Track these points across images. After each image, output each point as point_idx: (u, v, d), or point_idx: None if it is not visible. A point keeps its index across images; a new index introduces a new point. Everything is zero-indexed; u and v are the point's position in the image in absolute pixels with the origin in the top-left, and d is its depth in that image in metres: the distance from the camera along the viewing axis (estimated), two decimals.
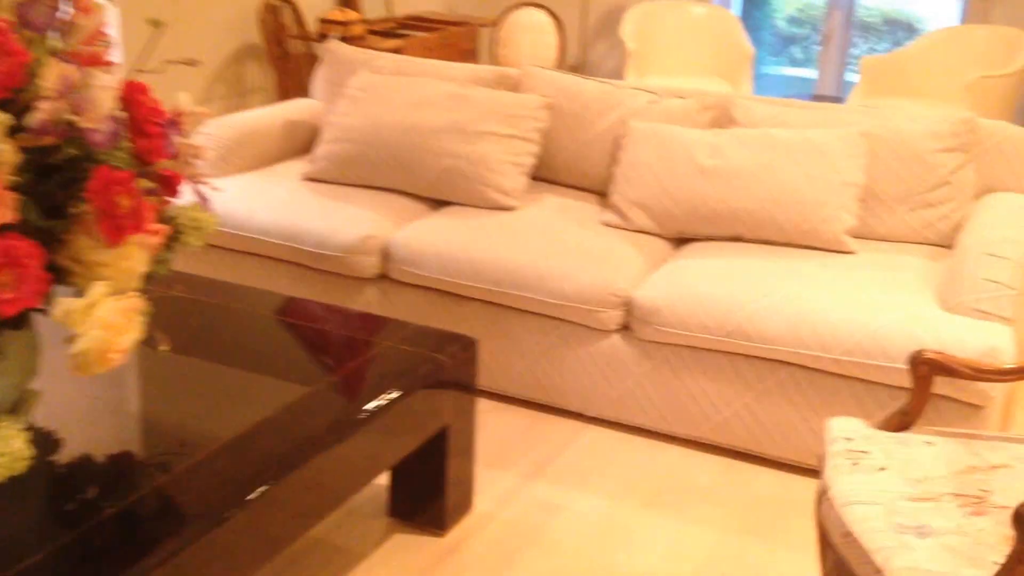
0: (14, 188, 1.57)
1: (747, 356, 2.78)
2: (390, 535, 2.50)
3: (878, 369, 2.62)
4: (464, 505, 2.58)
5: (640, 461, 2.86)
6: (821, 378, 2.72)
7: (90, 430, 2.05)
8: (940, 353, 2.12)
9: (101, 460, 1.96)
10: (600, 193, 3.41)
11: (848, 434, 2.10)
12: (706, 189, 3.06)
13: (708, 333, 2.76)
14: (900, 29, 7.29)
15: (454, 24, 5.89)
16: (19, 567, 1.59)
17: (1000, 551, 1.71)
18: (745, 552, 2.50)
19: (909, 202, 3.08)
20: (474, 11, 6.36)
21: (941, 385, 2.48)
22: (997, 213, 2.91)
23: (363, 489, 2.22)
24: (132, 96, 1.81)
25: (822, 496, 1.98)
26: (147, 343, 1.83)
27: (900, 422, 2.16)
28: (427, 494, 2.50)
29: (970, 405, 2.59)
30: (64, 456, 1.94)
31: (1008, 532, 1.70)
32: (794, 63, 7.64)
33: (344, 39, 4.79)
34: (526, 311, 3.01)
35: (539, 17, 5.80)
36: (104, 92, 1.55)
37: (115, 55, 1.85)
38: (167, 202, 1.89)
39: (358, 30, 5.27)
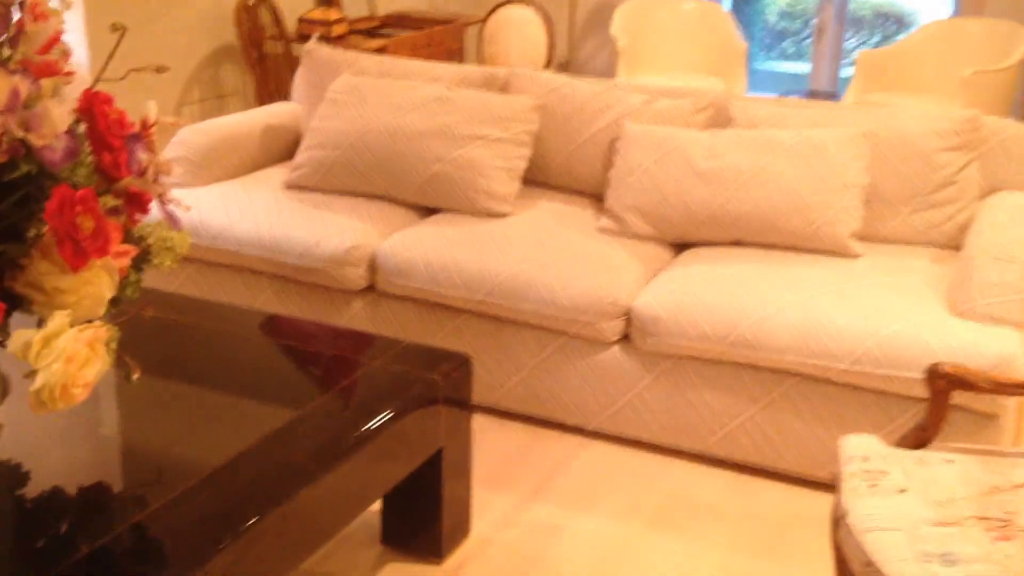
0: None
1: (752, 366, 2.67)
2: (384, 564, 2.39)
3: (888, 379, 2.51)
4: (461, 529, 2.47)
5: (644, 478, 2.75)
6: (829, 388, 2.61)
7: (61, 463, 1.94)
8: (958, 366, 2.01)
9: (74, 495, 1.85)
10: (595, 197, 3.30)
11: (864, 452, 1.99)
12: (704, 193, 2.95)
13: (711, 343, 2.65)
14: (891, 22, 7.20)
15: (439, 22, 5.76)
16: None
17: None
18: (756, 572, 2.39)
19: (913, 203, 2.97)
20: (460, 9, 6.23)
21: (954, 395, 2.38)
22: (1005, 213, 2.81)
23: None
24: (94, 107, 1.68)
25: (839, 520, 1.87)
26: (118, 371, 1.71)
27: (917, 438, 2.06)
28: (422, 519, 2.40)
29: (984, 415, 2.49)
30: (34, 491, 1.84)
31: None
32: (786, 57, 7.54)
33: (325, 39, 4.66)
34: (521, 322, 2.89)
35: (527, 14, 5.68)
36: (59, 105, 1.41)
37: (77, 63, 1.72)
38: (135, 221, 1.76)
39: (340, 29, 5.14)
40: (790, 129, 3.01)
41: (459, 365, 2.37)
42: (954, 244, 2.95)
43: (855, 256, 2.89)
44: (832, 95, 5.50)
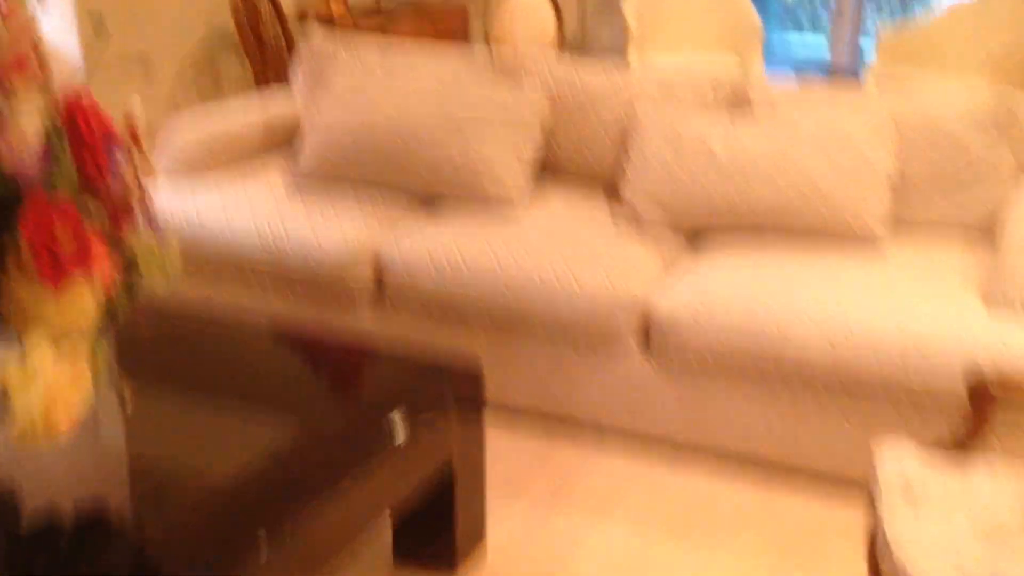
0: None
1: (778, 368, 2.54)
2: None
3: (920, 379, 2.38)
4: (475, 539, 2.37)
5: (665, 483, 2.63)
6: (859, 388, 2.48)
7: (52, 485, 1.83)
8: (1004, 378, 1.88)
9: (66, 519, 1.75)
10: (608, 186, 3.16)
11: (901, 464, 1.87)
12: (724, 182, 2.81)
13: (735, 345, 2.53)
14: None
15: (444, 3, 5.60)
16: None
17: None
18: None
19: (944, 188, 2.83)
20: None
21: None
22: None
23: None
24: (73, 106, 1.55)
25: (877, 538, 1.75)
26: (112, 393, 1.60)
27: (958, 448, 1.93)
28: (435, 530, 2.31)
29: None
30: (23, 516, 1.74)
31: None
32: (801, 29, 7.35)
33: (325, 23, 4.52)
34: (536, 323, 2.76)
35: None
36: (28, 110, 1.29)
37: (61, 58, 1.60)
38: (121, 229, 1.64)
39: (339, 11, 4.98)
40: (813, 115, 2.86)
41: (471, 371, 2.27)
42: (987, 231, 2.81)
43: (883, 245, 2.75)
44: (852, 71, 5.33)
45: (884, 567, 1.72)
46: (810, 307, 2.48)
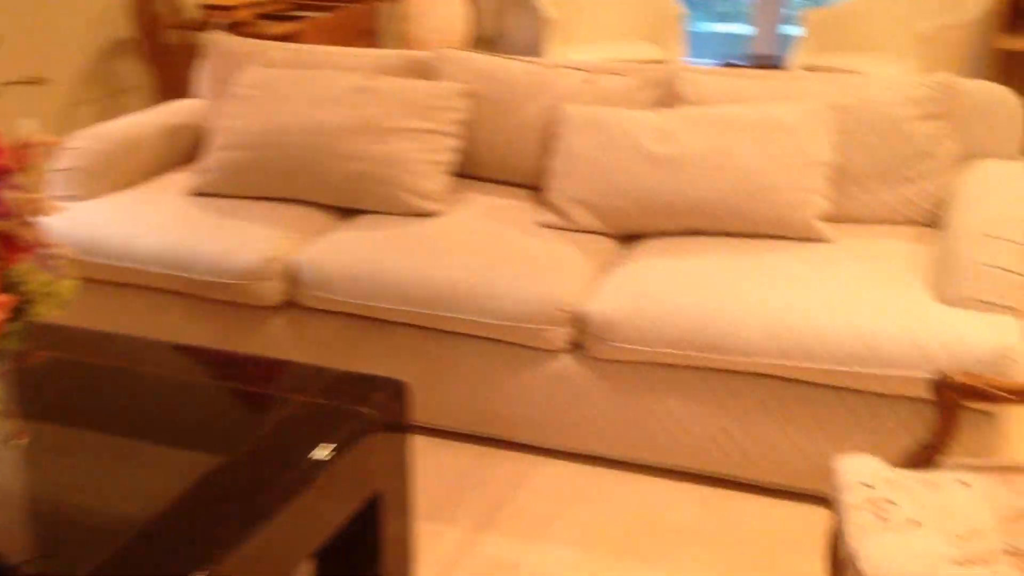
0: None
1: (720, 371, 2.41)
2: None
3: (873, 378, 2.27)
4: (404, 571, 2.19)
5: (606, 499, 2.48)
6: (808, 390, 2.37)
7: None
8: (971, 376, 1.77)
9: None
10: (534, 188, 3.00)
11: (866, 478, 1.75)
12: (657, 180, 2.67)
13: (675, 347, 2.38)
14: None
15: (352, 1, 5.39)
16: None
17: None
18: None
19: (886, 178, 2.73)
20: None
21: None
22: (989, 186, 2.57)
23: None
24: None
25: (848, 564, 1.62)
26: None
27: (923, 456, 1.81)
28: (360, 562, 2.12)
29: (981, 412, 2.25)
30: None
31: None
32: (721, 18, 7.29)
33: (229, 27, 4.31)
34: (461, 334, 2.60)
35: None
36: None
37: None
38: (12, 263, 1.47)
39: (245, 15, 4.75)
40: (747, 105, 2.74)
41: (395, 393, 2.09)
42: (931, 221, 2.71)
43: (825, 241, 2.64)
44: (777, 59, 5.25)
45: None
46: (753, 305, 2.36)
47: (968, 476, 1.74)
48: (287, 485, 1.78)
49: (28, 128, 1.48)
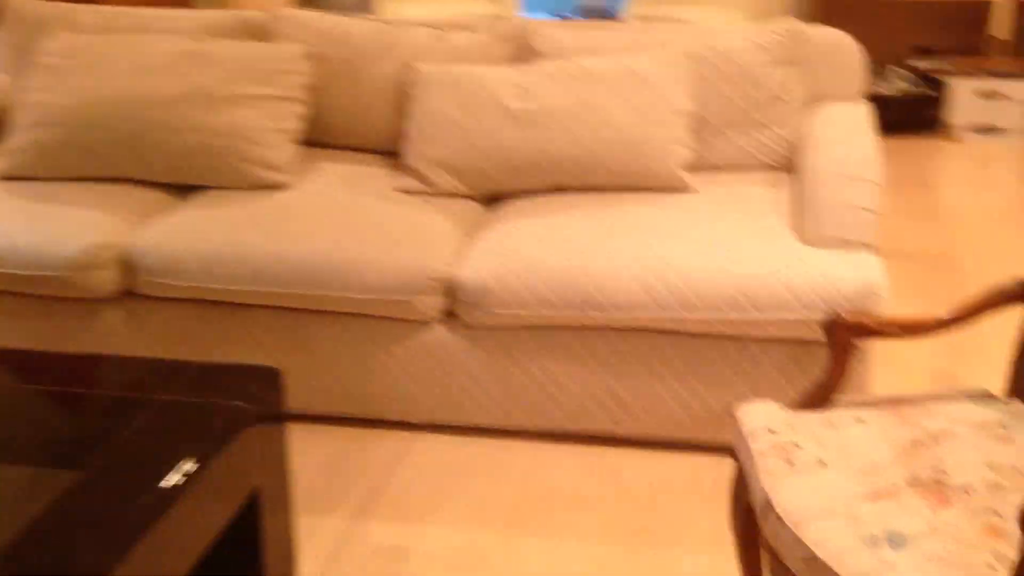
0: None
1: (597, 328, 2.36)
2: None
3: (750, 324, 2.28)
4: (286, 568, 2.05)
5: (492, 471, 2.40)
6: (686, 341, 2.36)
7: None
8: (861, 314, 1.79)
9: None
10: (390, 154, 2.87)
11: (768, 423, 1.73)
12: (519, 137, 2.59)
13: (550, 308, 2.32)
14: None
15: None
16: None
17: (984, 549, 1.43)
18: (637, 557, 2.11)
19: (741, 125, 2.74)
20: None
21: (806, 330, 2.26)
22: (838, 128, 2.61)
23: None
24: None
25: (765, 511, 1.59)
26: None
27: (819, 397, 1.81)
28: (239, 568, 1.96)
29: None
30: None
31: (982, 521, 1.49)
32: None
33: None
34: (325, 311, 2.46)
35: None
36: None
37: None
38: None
39: None
40: (605, 57, 2.68)
41: (269, 382, 1.93)
42: (785, 165, 2.75)
43: (690, 191, 2.62)
44: (608, 11, 5.25)
45: (777, 543, 1.57)
46: (626, 260, 2.32)
47: (862, 413, 1.76)
48: (155, 501, 1.59)
49: None
